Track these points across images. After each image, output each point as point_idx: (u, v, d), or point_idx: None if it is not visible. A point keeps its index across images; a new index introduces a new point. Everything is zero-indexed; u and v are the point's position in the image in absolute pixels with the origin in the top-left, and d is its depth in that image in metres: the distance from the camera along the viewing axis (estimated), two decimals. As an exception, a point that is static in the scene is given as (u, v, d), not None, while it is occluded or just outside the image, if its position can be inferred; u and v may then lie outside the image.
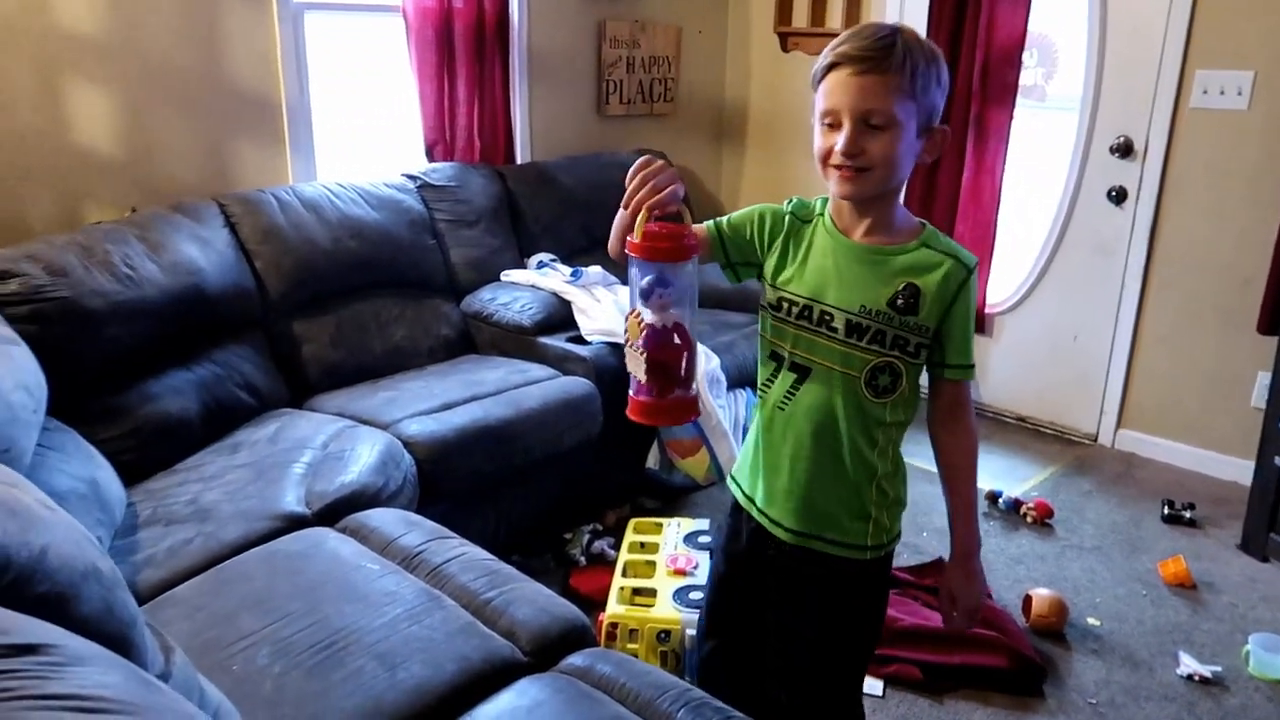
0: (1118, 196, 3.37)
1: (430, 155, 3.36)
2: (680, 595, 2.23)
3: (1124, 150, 3.32)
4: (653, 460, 3.01)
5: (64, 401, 2.09)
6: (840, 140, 1.26)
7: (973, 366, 1.37)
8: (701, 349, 2.98)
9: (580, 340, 2.91)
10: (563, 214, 3.47)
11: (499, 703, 1.47)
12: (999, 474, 3.35)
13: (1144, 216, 3.32)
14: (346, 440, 2.31)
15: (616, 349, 2.87)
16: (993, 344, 3.82)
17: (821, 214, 1.38)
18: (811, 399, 1.35)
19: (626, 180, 1.22)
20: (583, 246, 3.43)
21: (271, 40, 2.91)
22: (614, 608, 2.23)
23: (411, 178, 3.21)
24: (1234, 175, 3.11)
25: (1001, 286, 3.75)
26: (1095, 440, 3.60)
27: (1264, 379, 2.94)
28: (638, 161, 1.22)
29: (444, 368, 2.92)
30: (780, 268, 1.37)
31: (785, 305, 1.35)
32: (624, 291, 3.15)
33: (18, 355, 1.86)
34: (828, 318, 1.32)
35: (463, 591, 1.72)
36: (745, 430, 3.13)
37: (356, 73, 3.28)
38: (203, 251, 2.53)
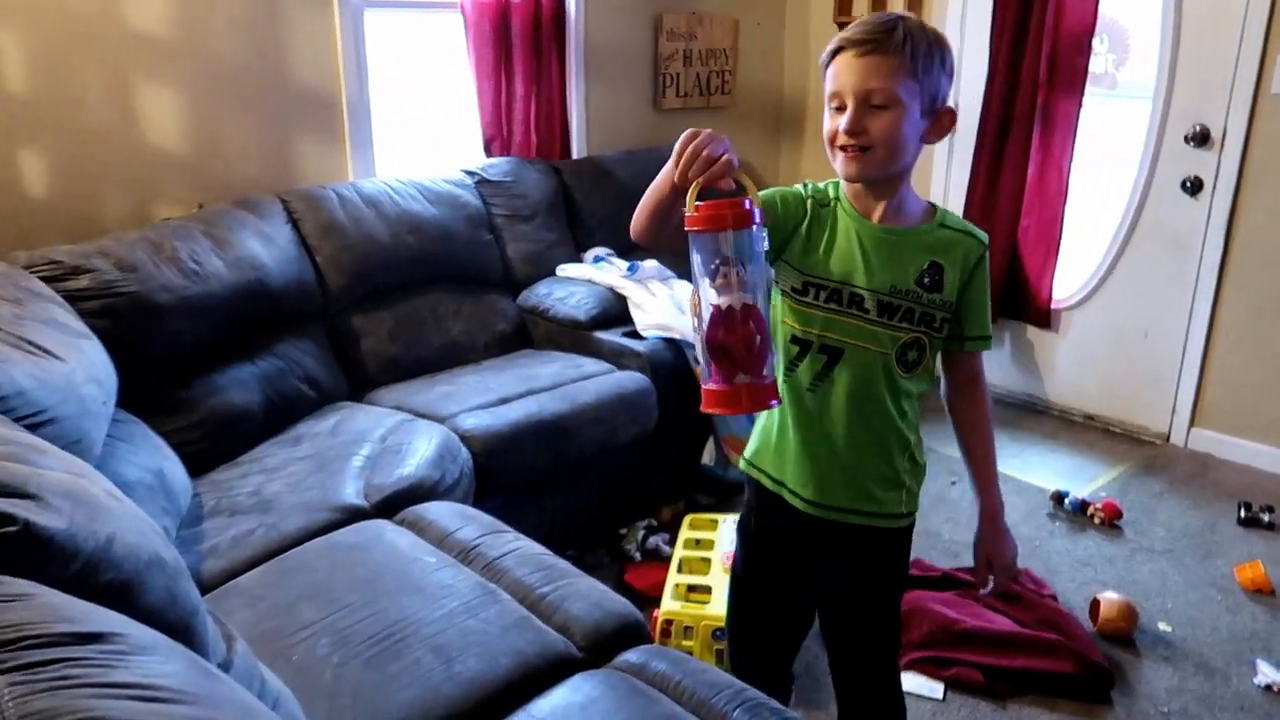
0: (1193, 187, 3.25)
1: (488, 150, 3.38)
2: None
3: (1200, 139, 3.20)
4: (708, 456, 2.99)
5: (132, 393, 2.14)
6: (843, 120, 1.30)
7: (990, 338, 1.43)
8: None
9: (636, 335, 2.90)
10: (619, 208, 3.44)
11: (553, 698, 1.47)
12: (1065, 474, 3.26)
13: (1220, 208, 3.19)
14: (404, 434, 2.33)
15: (672, 344, 2.85)
16: (1059, 340, 3.72)
17: (838, 198, 1.40)
18: (848, 379, 1.37)
19: (674, 154, 1.18)
20: (639, 241, 3.41)
21: (332, 38, 2.95)
22: (669, 604, 2.22)
23: (470, 173, 3.22)
24: (1317, 164, 2.98)
25: (1069, 282, 3.64)
26: (1167, 440, 3.49)
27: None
28: (685, 134, 1.18)
29: (500, 362, 2.93)
30: (806, 252, 1.37)
31: (813, 289, 1.36)
32: (680, 285, 3.13)
33: (88, 349, 1.91)
34: (859, 299, 1.35)
35: (518, 586, 1.72)
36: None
37: (416, 69, 3.31)
38: (266, 247, 2.57)
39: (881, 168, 1.32)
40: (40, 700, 0.70)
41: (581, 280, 3.10)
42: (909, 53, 1.27)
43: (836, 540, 1.47)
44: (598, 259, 3.24)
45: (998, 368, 3.91)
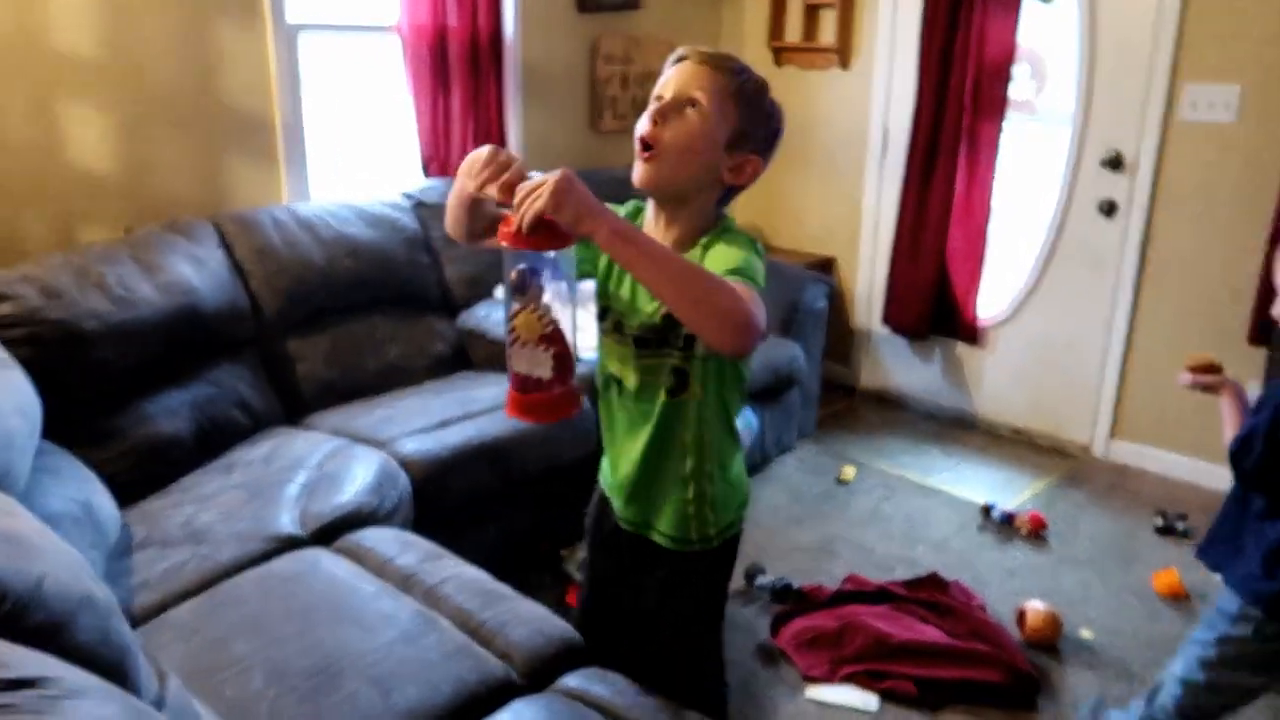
0: (1108, 209, 3.39)
1: (426, 171, 3.38)
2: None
3: (1114, 163, 3.34)
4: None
5: (58, 423, 2.09)
6: (645, 115, 1.35)
7: (739, 272, 1.27)
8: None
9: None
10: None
11: (495, 725, 1.48)
12: (993, 487, 3.36)
13: (1135, 229, 3.33)
14: (342, 459, 2.32)
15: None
16: (986, 355, 3.83)
17: (638, 224, 1.44)
18: (629, 406, 1.44)
19: (465, 166, 1.24)
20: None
21: (265, 60, 2.93)
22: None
23: (408, 196, 3.21)
24: (1223, 187, 3.13)
25: (994, 299, 3.77)
26: (1089, 452, 3.62)
27: (1254, 389, 2.95)
28: (476, 154, 1.23)
29: (439, 385, 2.92)
30: (605, 277, 1.44)
31: (605, 314, 1.44)
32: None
33: (14, 379, 1.87)
34: (626, 330, 1.40)
35: (458, 612, 1.73)
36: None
37: (353, 91, 3.29)
38: (197, 271, 2.53)
39: (667, 180, 1.33)
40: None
41: (520, 302, 3.11)
42: (739, 81, 1.33)
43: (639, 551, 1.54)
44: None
45: (929, 383, 4.02)
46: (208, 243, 2.66)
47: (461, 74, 3.32)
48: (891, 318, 3.99)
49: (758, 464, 3.40)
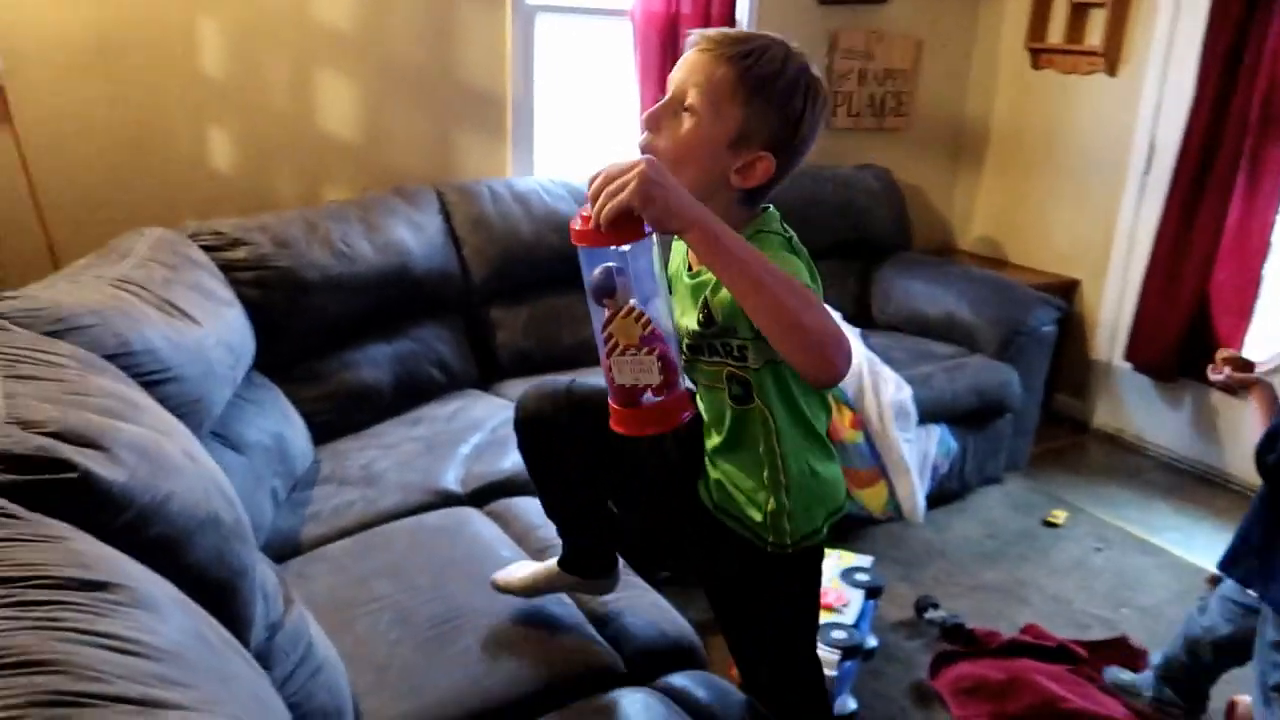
0: None
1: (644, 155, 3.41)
2: (823, 632, 2.12)
3: None
4: (827, 487, 2.90)
5: (272, 361, 2.31)
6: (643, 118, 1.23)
7: None
8: (893, 377, 2.83)
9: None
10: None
11: (585, 707, 1.47)
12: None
13: None
14: (515, 427, 2.39)
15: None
16: (1244, 407, 3.35)
17: None
18: (706, 402, 1.36)
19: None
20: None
21: (502, 39, 3.06)
22: (750, 633, 2.17)
23: (622, 178, 3.26)
24: None
25: (1264, 343, 3.28)
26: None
27: None
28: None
29: (627, 367, 2.95)
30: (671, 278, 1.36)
31: None
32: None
33: (230, 316, 2.07)
34: (680, 332, 1.31)
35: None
36: (934, 470, 2.95)
37: (581, 72, 3.38)
38: (415, 235, 2.70)
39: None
40: (21, 637, 0.76)
41: (719, 293, 3.08)
42: (743, 69, 1.17)
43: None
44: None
45: (1173, 430, 3.58)
46: (429, 209, 2.82)
47: (690, 61, 3.31)
48: (1137, 354, 3.59)
49: (953, 491, 3.17)
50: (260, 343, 2.24)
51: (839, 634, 2.10)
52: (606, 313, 1.16)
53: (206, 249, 2.25)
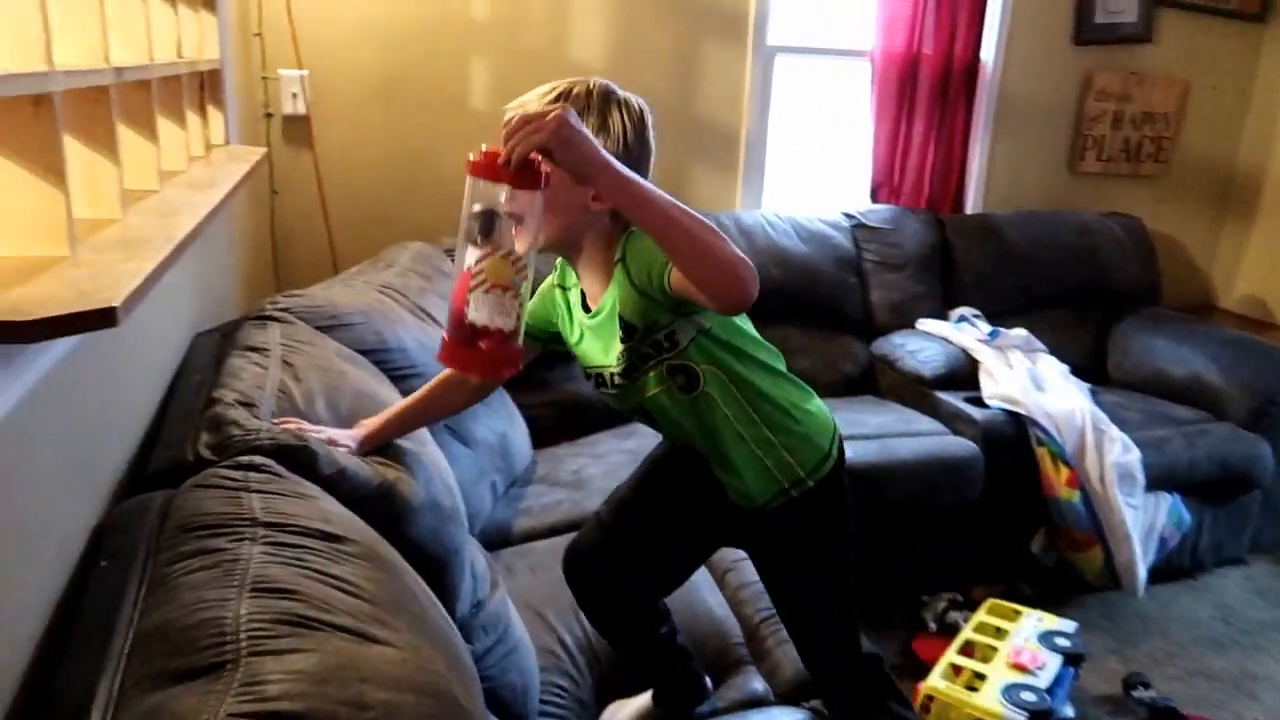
0: None
1: (875, 196, 3.42)
2: (1011, 692, 2.06)
3: None
4: (1037, 545, 2.78)
5: (505, 367, 2.54)
6: None
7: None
8: (1120, 438, 2.68)
9: (979, 402, 2.78)
10: (1000, 269, 3.31)
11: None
12: None
13: None
14: (717, 450, 2.49)
15: (1015, 419, 2.70)
16: None
17: (577, 281, 1.43)
18: (665, 410, 1.41)
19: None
20: (1015, 306, 3.25)
21: (742, 78, 3.20)
22: (935, 680, 2.14)
23: (849, 216, 3.30)
24: None
25: None
26: None
27: None
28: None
29: (836, 403, 2.95)
30: (572, 339, 1.46)
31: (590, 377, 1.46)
32: (1045, 361, 2.95)
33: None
34: (612, 372, 1.40)
35: (753, 614, 1.79)
36: (1161, 541, 2.75)
37: (815, 110, 3.45)
38: (642, 260, 2.87)
39: (549, 243, 1.32)
40: (274, 569, 0.95)
41: (938, 337, 3.04)
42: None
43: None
44: (961, 319, 3.14)
45: None
46: (657, 237, 2.98)
47: (927, 102, 3.30)
48: None
49: (1182, 568, 2.93)
50: (495, 350, 2.47)
51: (1028, 695, 2.04)
52: (478, 252, 1.17)
53: (458, 263, 2.52)
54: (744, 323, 1.46)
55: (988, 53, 3.37)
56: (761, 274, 3.03)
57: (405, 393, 1.75)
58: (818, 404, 1.51)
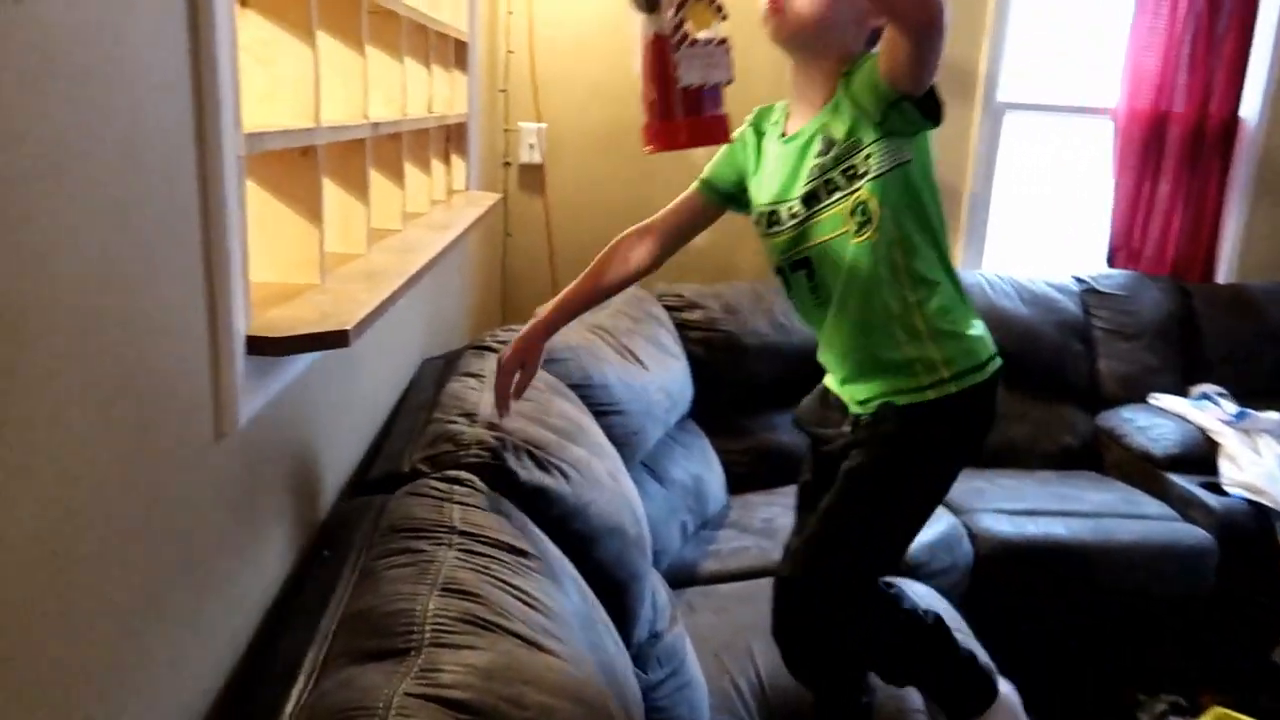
0: None
1: (1112, 260, 3.23)
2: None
3: None
4: (1281, 654, 2.49)
5: (706, 412, 2.60)
6: None
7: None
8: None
9: (1216, 489, 2.54)
10: (1254, 345, 3.03)
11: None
12: None
13: None
14: (915, 512, 2.42)
15: (1260, 511, 2.44)
16: None
17: (779, 120, 1.46)
18: (821, 277, 1.40)
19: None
20: (1269, 387, 2.95)
21: (967, 134, 3.13)
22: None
23: (1079, 280, 3.13)
24: None
25: None
26: None
27: None
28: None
29: (1051, 476, 2.81)
30: (754, 171, 1.50)
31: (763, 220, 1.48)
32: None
33: (674, 368, 2.40)
34: (786, 210, 1.41)
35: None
36: None
37: (1047, 169, 3.31)
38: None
39: (798, 35, 1.33)
40: (462, 572, 1.04)
41: (1172, 414, 2.81)
42: None
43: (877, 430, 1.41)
44: (1203, 396, 2.89)
45: None
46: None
47: (1176, 162, 3.09)
48: None
49: None
50: (698, 395, 2.55)
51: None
52: (667, 14, 1.10)
53: (668, 308, 2.63)
54: (934, 201, 1.40)
55: (1249, 109, 3.12)
56: (977, 335, 2.96)
57: (606, 428, 1.85)
58: (978, 326, 1.44)
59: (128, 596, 0.75)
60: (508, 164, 3.01)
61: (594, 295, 1.59)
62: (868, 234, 1.34)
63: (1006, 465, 2.87)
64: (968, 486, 2.65)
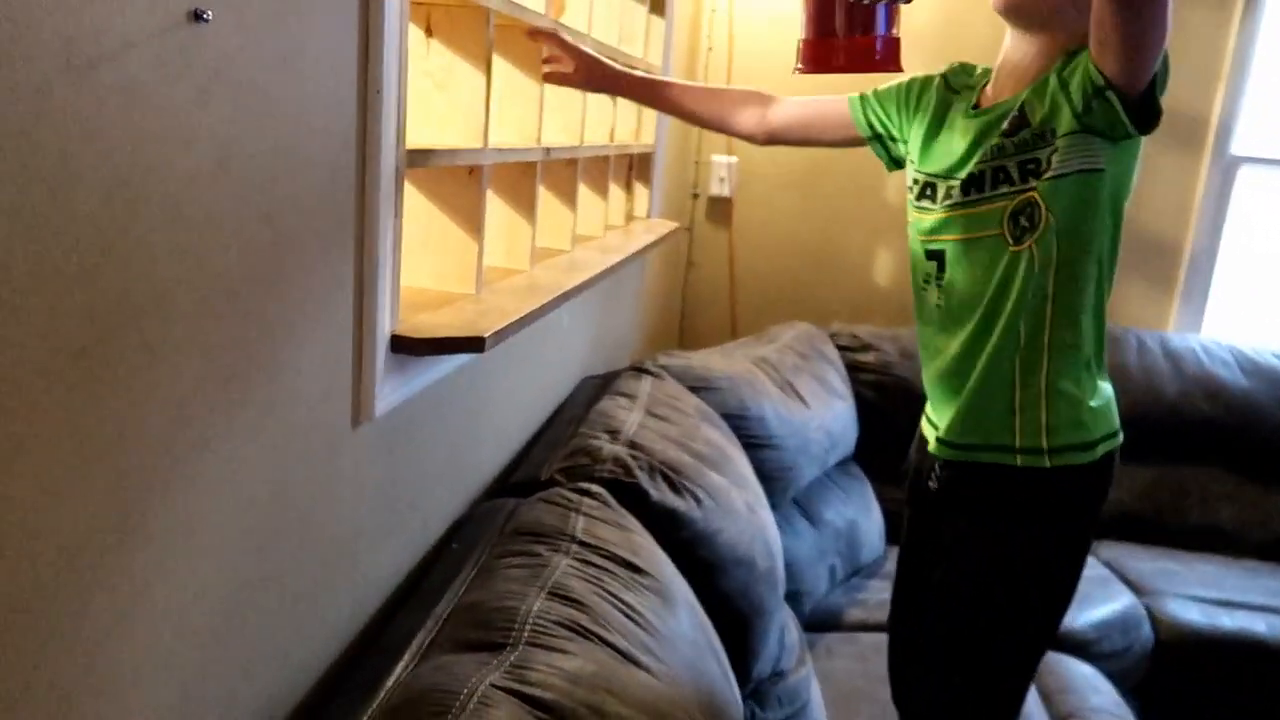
0: None
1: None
2: None
3: None
4: None
5: (871, 457, 2.53)
6: None
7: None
8: None
9: None
10: None
11: None
12: None
13: None
14: (1091, 585, 2.25)
15: None
16: None
17: (976, 85, 1.28)
18: (951, 278, 1.24)
19: None
20: None
21: (1193, 188, 2.89)
22: None
23: (1321, 352, 2.82)
24: None
25: None
26: None
27: None
28: None
29: (1260, 566, 2.53)
30: (926, 139, 1.30)
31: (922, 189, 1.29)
32: None
33: (839, 408, 2.35)
34: (946, 187, 1.25)
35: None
36: None
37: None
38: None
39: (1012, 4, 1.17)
40: (572, 580, 1.08)
41: None
42: None
43: (958, 489, 1.27)
44: None
45: None
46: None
47: None
48: None
49: None
50: (864, 438, 2.49)
51: None
52: None
53: (841, 348, 2.58)
54: (1114, 234, 1.26)
55: None
56: (1188, 406, 2.75)
57: (755, 461, 1.85)
58: (1107, 391, 1.27)
59: (255, 566, 0.84)
60: (696, 195, 3.07)
61: (679, 104, 1.48)
62: (1027, 244, 1.18)
63: (1207, 549, 2.62)
64: (1155, 566, 2.44)
